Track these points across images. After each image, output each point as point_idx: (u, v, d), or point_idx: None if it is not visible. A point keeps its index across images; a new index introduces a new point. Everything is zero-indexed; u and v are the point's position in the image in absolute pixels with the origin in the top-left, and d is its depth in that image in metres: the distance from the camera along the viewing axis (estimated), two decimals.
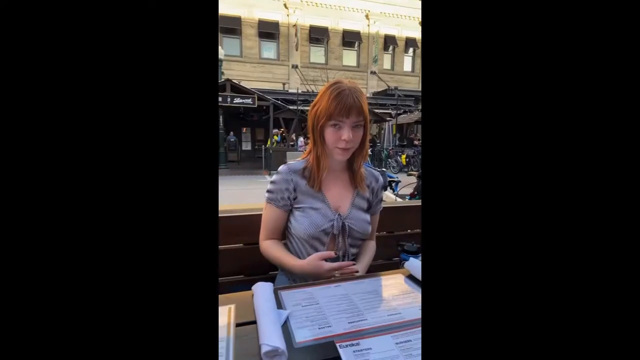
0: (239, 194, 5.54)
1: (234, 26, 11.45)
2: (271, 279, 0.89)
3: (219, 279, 0.95)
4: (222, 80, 8.49)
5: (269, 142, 9.76)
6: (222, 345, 0.45)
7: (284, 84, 12.15)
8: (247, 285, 0.97)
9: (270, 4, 11.82)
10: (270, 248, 0.82)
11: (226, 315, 0.52)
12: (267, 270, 0.95)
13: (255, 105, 8.84)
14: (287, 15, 12.08)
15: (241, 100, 8.57)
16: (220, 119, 8.68)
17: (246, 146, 12.52)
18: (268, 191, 0.83)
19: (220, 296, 0.59)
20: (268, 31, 11.93)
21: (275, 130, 9.78)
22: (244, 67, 11.80)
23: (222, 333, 0.47)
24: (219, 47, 9.51)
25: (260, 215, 0.86)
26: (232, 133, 10.59)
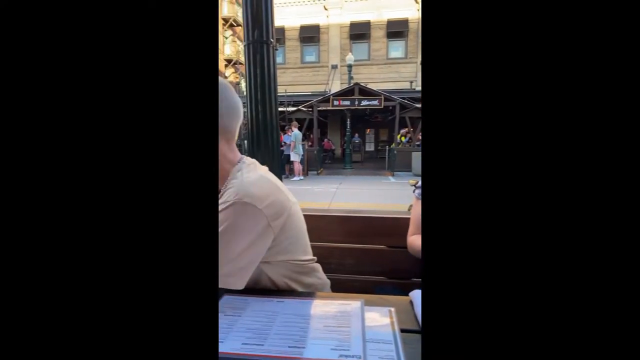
0: (363, 194, 5.67)
1: (363, 31, 11.81)
2: (416, 286, 0.85)
3: (359, 276, 0.98)
4: (351, 84, 8.89)
5: (393, 143, 9.60)
6: (389, 347, 0.44)
7: (411, 82, 11.69)
8: (388, 288, 0.96)
9: (399, 2, 11.59)
10: (418, 239, 0.79)
11: (388, 317, 0.52)
12: (411, 276, 0.92)
13: (382, 106, 8.86)
14: (418, 10, 11.55)
15: (368, 102, 8.76)
16: (348, 122, 9.12)
17: (369, 147, 12.73)
18: (418, 187, 0.81)
19: (374, 296, 0.60)
20: (396, 30, 11.73)
21: (403, 131, 9.52)
22: (371, 70, 12.01)
23: (387, 334, 0.47)
24: (349, 54, 10.00)
25: (406, 219, 0.84)
26: (357, 135, 10.98)
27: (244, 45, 1.16)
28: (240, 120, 0.64)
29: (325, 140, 11.75)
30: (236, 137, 0.65)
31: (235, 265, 0.53)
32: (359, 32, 11.83)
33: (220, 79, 0.63)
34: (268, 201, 0.55)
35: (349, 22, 11.85)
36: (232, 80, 12.63)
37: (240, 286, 0.54)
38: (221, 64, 13.11)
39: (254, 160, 0.66)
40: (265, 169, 0.67)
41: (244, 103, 0.76)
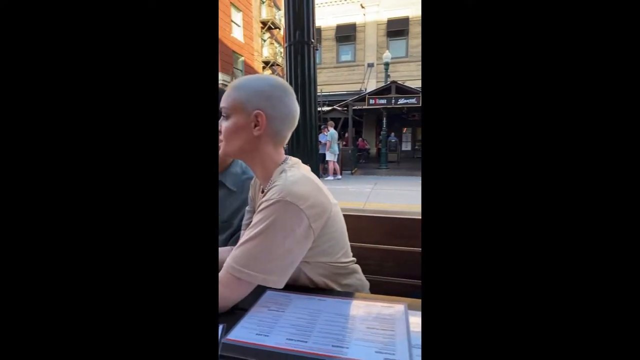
0: (399, 194, 5.53)
1: (401, 28, 11.50)
2: None
3: (399, 279, 0.96)
4: (388, 82, 8.71)
5: None
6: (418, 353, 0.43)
7: None
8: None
9: None
10: None
11: None
12: None
13: (419, 104, 8.57)
14: None
15: (405, 101, 8.53)
16: (384, 121, 8.95)
17: (406, 146, 12.36)
18: None
19: (418, 301, 0.58)
20: None
21: None
22: (409, 67, 11.66)
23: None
24: (386, 51, 9.80)
25: None
26: (393, 134, 10.72)
27: (285, 47, 1.19)
28: (293, 128, 0.66)
29: (360, 139, 11.63)
30: (285, 143, 0.67)
31: (276, 265, 0.54)
32: (397, 29, 11.53)
33: (287, 84, 0.64)
34: (310, 202, 0.56)
35: (386, 19, 11.60)
36: None
37: (280, 285, 0.55)
38: (258, 66, 13.53)
39: (297, 160, 0.67)
40: (307, 168, 0.67)
41: None
